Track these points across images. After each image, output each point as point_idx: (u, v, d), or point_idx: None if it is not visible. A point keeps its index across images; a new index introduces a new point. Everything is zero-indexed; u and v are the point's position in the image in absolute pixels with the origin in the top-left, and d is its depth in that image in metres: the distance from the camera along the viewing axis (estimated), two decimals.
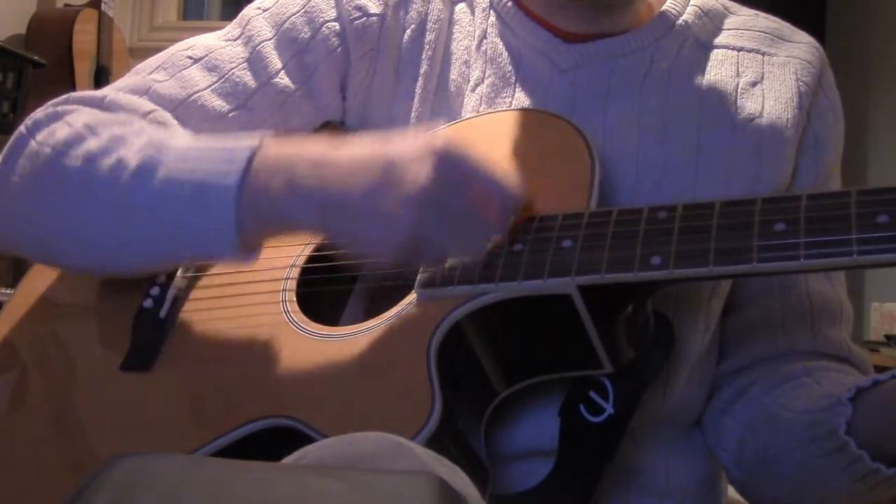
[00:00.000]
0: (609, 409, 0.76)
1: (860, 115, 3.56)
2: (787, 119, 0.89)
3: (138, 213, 0.75)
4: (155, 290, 0.84)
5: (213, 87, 0.89)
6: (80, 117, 0.81)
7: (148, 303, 0.83)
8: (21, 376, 0.86)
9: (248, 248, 0.74)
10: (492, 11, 0.92)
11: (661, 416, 0.87)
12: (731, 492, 0.97)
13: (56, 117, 0.82)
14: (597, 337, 0.72)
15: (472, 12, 0.93)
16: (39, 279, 0.91)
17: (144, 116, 0.84)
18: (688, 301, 0.85)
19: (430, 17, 0.92)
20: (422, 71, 0.90)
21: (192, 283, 0.85)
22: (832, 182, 0.94)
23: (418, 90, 0.90)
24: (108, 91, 0.87)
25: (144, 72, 0.90)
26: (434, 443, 0.63)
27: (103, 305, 0.87)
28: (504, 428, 0.81)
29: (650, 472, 0.87)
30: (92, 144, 0.77)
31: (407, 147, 0.70)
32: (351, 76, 0.91)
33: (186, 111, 0.87)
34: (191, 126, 0.86)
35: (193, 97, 0.88)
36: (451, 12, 0.93)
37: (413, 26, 0.91)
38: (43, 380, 0.85)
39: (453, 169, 0.69)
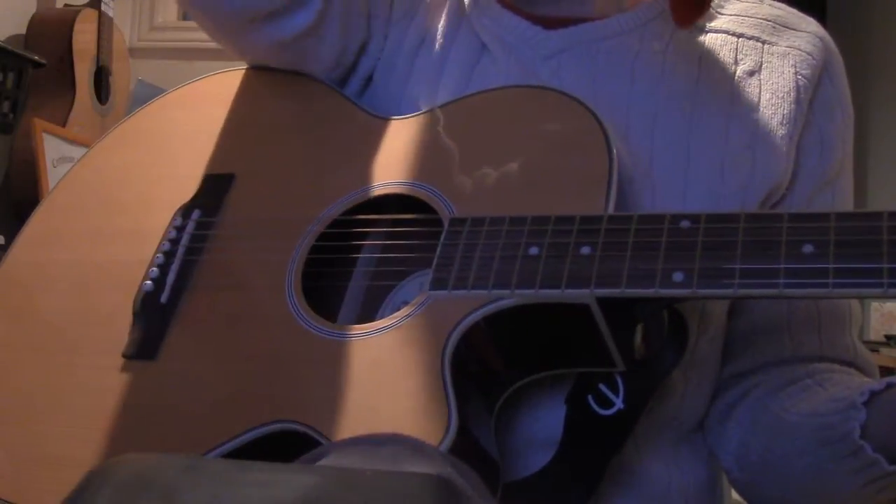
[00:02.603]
0: (619, 403, 0.75)
1: (860, 115, 3.55)
2: (784, 114, 0.86)
3: None
4: (154, 272, 0.82)
5: None
6: None
7: (148, 286, 0.81)
8: (18, 350, 0.83)
9: None
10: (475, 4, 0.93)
11: (660, 419, 0.86)
12: (733, 494, 0.97)
13: None
14: (612, 341, 0.70)
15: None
16: (28, 250, 0.89)
17: None
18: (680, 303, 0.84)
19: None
20: (440, 27, 0.92)
21: (192, 267, 0.82)
22: (842, 181, 0.92)
23: (436, 47, 0.91)
24: None
25: None
26: (448, 451, 0.62)
27: (101, 285, 0.84)
28: (511, 417, 0.80)
29: (651, 475, 0.86)
30: None
31: None
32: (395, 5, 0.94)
33: None
34: None
35: None
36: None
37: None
38: (39, 355, 0.82)
39: None
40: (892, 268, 0.60)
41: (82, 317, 0.83)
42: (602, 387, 0.75)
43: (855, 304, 0.93)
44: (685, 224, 0.68)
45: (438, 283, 0.72)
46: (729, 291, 0.64)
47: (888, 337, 3.12)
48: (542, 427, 0.79)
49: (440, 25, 0.93)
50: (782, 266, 0.63)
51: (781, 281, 0.63)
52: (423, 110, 0.86)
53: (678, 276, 0.65)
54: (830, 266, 0.62)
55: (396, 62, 0.93)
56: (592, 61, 0.87)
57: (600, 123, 0.76)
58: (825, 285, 0.61)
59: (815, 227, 0.64)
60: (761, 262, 0.64)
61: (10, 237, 0.95)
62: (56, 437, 0.76)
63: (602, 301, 0.68)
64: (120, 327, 0.80)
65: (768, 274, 0.63)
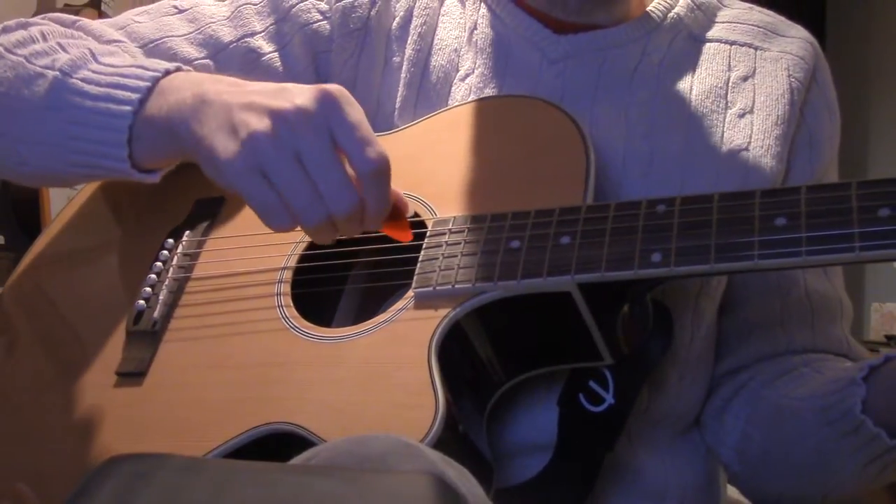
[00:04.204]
0: (609, 398, 0.75)
1: (860, 115, 3.56)
2: (778, 115, 0.88)
3: (46, 111, 0.77)
4: (146, 292, 0.83)
5: (188, 35, 0.91)
6: (40, 27, 0.85)
7: (140, 305, 0.83)
8: (20, 370, 0.85)
9: (141, 164, 0.76)
10: (482, 3, 0.93)
11: (655, 418, 0.87)
12: (731, 491, 0.97)
13: (23, 26, 0.86)
14: (597, 331, 0.71)
15: (463, 4, 0.94)
16: (29, 275, 0.91)
17: (107, 44, 0.86)
18: (673, 298, 0.84)
19: (418, 4, 0.93)
20: (407, 56, 0.91)
21: (183, 284, 0.84)
22: (828, 180, 0.93)
23: (403, 75, 0.90)
24: (83, 18, 0.90)
25: (130, 14, 0.94)
26: (437, 445, 0.63)
27: (95, 305, 0.87)
28: (504, 422, 0.81)
29: (648, 473, 0.86)
30: (38, 46, 0.81)
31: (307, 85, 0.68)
32: (334, 52, 0.91)
33: (156, 51, 0.89)
34: None
35: (165, 39, 0.90)
36: (441, 3, 0.94)
37: (402, 13, 0.93)
38: (40, 376, 0.84)
39: (334, 106, 0.65)
40: (863, 232, 0.61)
41: (79, 338, 0.85)
42: (592, 384, 0.76)
43: (846, 298, 0.94)
44: (661, 208, 0.69)
45: (423, 282, 0.73)
46: (706, 267, 0.65)
47: (888, 337, 3.12)
48: (538, 432, 0.80)
49: (407, 51, 0.92)
50: (756, 239, 0.64)
51: (756, 253, 0.64)
52: (404, 126, 0.88)
53: (656, 257, 0.67)
54: (803, 235, 0.63)
55: (358, 70, 0.92)
56: (595, 71, 0.88)
57: (577, 126, 0.79)
58: (799, 254, 0.63)
59: (786, 201, 0.65)
60: (736, 237, 0.65)
61: (10, 237, 0.96)
62: (54, 453, 0.78)
63: (585, 290, 0.69)
64: (115, 346, 0.82)
65: (743, 247, 0.65)
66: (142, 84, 0.74)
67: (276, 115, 0.65)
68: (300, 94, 0.66)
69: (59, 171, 0.80)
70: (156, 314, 0.82)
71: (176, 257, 0.86)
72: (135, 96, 0.74)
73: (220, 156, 0.66)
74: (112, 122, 0.74)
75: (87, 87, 0.76)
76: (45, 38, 0.83)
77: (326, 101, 0.65)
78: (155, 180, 0.78)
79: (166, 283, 0.84)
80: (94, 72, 0.77)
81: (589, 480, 0.76)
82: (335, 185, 0.64)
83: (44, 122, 0.78)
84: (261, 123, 0.64)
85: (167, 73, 0.75)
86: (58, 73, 0.78)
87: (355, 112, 0.66)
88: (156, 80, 0.74)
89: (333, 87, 0.66)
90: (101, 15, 2.71)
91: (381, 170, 0.65)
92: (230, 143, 0.65)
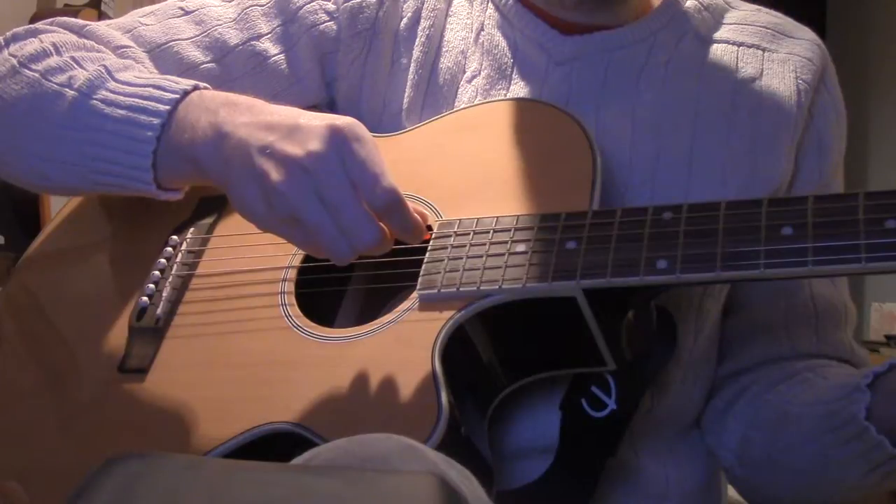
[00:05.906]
0: (611, 404, 0.76)
1: (860, 115, 3.56)
2: (785, 117, 0.88)
3: (68, 132, 0.78)
4: (150, 289, 0.83)
5: (194, 38, 0.91)
6: (52, 37, 0.85)
7: (143, 301, 0.83)
8: (16, 367, 0.85)
9: (165, 185, 0.77)
10: (490, 4, 0.93)
11: (657, 418, 0.87)
12: (731, 492, 0.97)
13: (32, 33, 0.86)
14: (601, 336, 0.71)
15: (471, 4, 0.93)
16: (31, 273, 0.91)
17: (115, 51, 0.86)
18: (677, 301, 0.84)
19: (426, 5, 0.92)
20: (414, 57, 0.91)
21: (187, 282, 0.84)
22: (835, 182, 0.93)
23: (411, 76, 0.90)
24: (91, 22, 0.90)
25: (137, 14, 0.93)
26: (439, 447, 0.62)
27: (98, 301, 0.87)
28: (505, 425, 0.81)
29: (649, 474, 0.86)
30: (53, 61, 0.81)
31: (318, 116, 0.70)
32: (341, 52, 0.91)
33: (162, 55, 0.89)
34: (163, 71, 0.87)
35: (172, 44, 0.90)
36: (449, 4, 0.94)
37: (410, 14, 0.92)
38: (38, 372, 0.84)
39: (343, 144, 0.68)
40: (869, 244, 0.61)
41: (80, 335, 0.85)
42: (594, 389, 0.76)
43: (850, 303, 0.94)
44: (667, 215, 0.69)
45: (427, 284, 0.73)
46: (711, 275, 0.66)
47: (888, 337, 3.12)
48: (539, 435, 0.80)
49: (415, 49, 0.92)
50: (762, 248, 0.65)
51: (762, 262, 0.64)
52: (410, 127, 0.88)
53: (662, 264, 0.67)
54: (809, 245, 0.63)
55: (365, 70, 0.92)
56: (602, 73, 0.88)
57: (584, 130, 0.79)
58: (805, 264, 0.63)
59: (793, 211, 0.65)
60: (742, 246, 0.65)
61: (10, 237, 0.96)
62: (57, 450, 0.77)
63: (590, 297, 0.69)
64: (117, 342, 0.82)
65: (749, 256, 0.65)
66: (162, 108, 0.75)
67: (294, 164, 0.67)
68: (312, 136, 0.68)
69: (82, 187, 0.82)
70: (159, 311, 0.82)
71: (180, 254, 0.86)
72: (156, 121, 0.74)
73: (250, 210, 0.70)
74: (136, 146, 0.75)
75: (108, 110, 0.76)
76: (58, 52, 0.82)
77: (336, 140, 0.67)
78: (179, 198, 0.79)
79: (170, 279, 0.84)
80: (112, 91, 0.77)
81: (590, 485, 0.76)
82: (353, 221, 0.67)
83: (65, 142, 0.78)
84: (280, 174, 0.67)
85: (186, 93, 0.75)
86: (76, 93, 0.78)
87: (363, 148, 0.68)
88: (175, 104, 0.75)
89: (342, 123, 0.68)
90: (101, 15, 2.70)
91: (391, 203, 0.68)
92: (257, 197, 0.68)
